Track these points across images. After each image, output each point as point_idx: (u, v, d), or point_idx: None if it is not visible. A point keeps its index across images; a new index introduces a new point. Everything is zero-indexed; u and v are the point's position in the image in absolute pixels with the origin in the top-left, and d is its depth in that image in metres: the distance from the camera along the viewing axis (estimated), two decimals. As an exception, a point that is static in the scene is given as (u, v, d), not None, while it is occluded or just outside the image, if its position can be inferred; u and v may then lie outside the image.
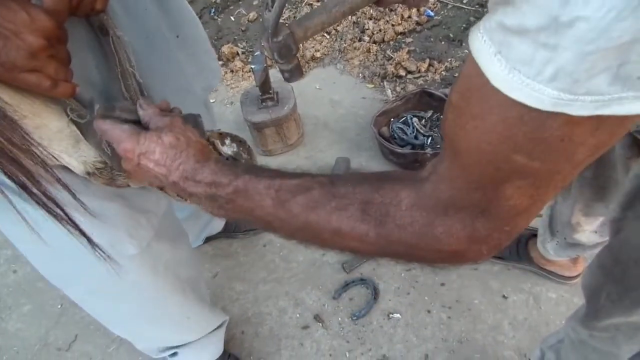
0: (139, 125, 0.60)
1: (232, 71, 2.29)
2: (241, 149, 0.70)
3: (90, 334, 1.49)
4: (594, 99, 0.29)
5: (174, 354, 1.20)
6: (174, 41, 0.92)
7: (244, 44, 2.41)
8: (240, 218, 0.54)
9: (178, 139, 0.54)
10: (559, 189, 0.38)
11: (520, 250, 1.45)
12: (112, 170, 0.65)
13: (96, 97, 0.67)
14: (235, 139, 0.70)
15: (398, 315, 1.43)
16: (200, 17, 1.03)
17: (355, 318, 1.43)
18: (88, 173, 0.64)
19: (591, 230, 1.04)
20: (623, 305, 0.66)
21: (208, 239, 1.64)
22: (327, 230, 0.46)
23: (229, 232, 1.66)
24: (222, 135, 0.67)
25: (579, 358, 0.83)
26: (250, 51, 2.34)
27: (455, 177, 0.40)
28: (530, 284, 1.46)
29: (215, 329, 1.24)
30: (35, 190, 0.58)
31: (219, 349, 1.29)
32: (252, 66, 1.61)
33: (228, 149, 0.66)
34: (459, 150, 0.38)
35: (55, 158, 0.61)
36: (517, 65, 0.30)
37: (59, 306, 1.56)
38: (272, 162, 1.89)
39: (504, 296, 1.44)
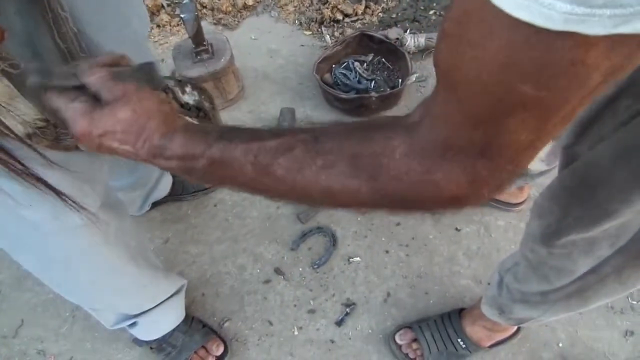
0: (85, 90, 0.50)
1: (158, 26, 2.13)
2: (203, 97, 0.64)
3: (37, 316, 1.39)
4: (613, 13, 0.24)
5: (134, 324, 1.15)
6: None
7: (169, -5, 2.24)
8: (226, 186, 0.49)
9: (136, 113, 0.48)
10: (567, 121, 0.34)
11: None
12: (57, 128, 0.57)
13: (22, 50, 0.58)
14: (195, 86, 0.64)
15: (358, 258, 1.44)
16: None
17: (316, 267, 1.43)
18: (29, 135, 0.56)
19: (540, 158, 1.08)
20: (582, 223, 0.68)
21: (155, 204, 1.55)
22: (316, 191, 0.42)
23: (176, 194, 1.56)
24: (181, 83, 0.60)
25: (537, 277, 0.86)
26: (177, 2, 2.18)
27: (452, 115, 0.36)
28: (481, 214, 1.51)
29: (174, 295, 1.19)
30: None
31: (180, 314, 1.25)
32: (182, 15, 1.49)
33: (189, 97, 0.59)
34: (456, 83, 0.34)
35: None
36: None
37: (-2, 292, 1.45)
38: (214, 119, 1.80)
39: (456, 229, 1.49)
